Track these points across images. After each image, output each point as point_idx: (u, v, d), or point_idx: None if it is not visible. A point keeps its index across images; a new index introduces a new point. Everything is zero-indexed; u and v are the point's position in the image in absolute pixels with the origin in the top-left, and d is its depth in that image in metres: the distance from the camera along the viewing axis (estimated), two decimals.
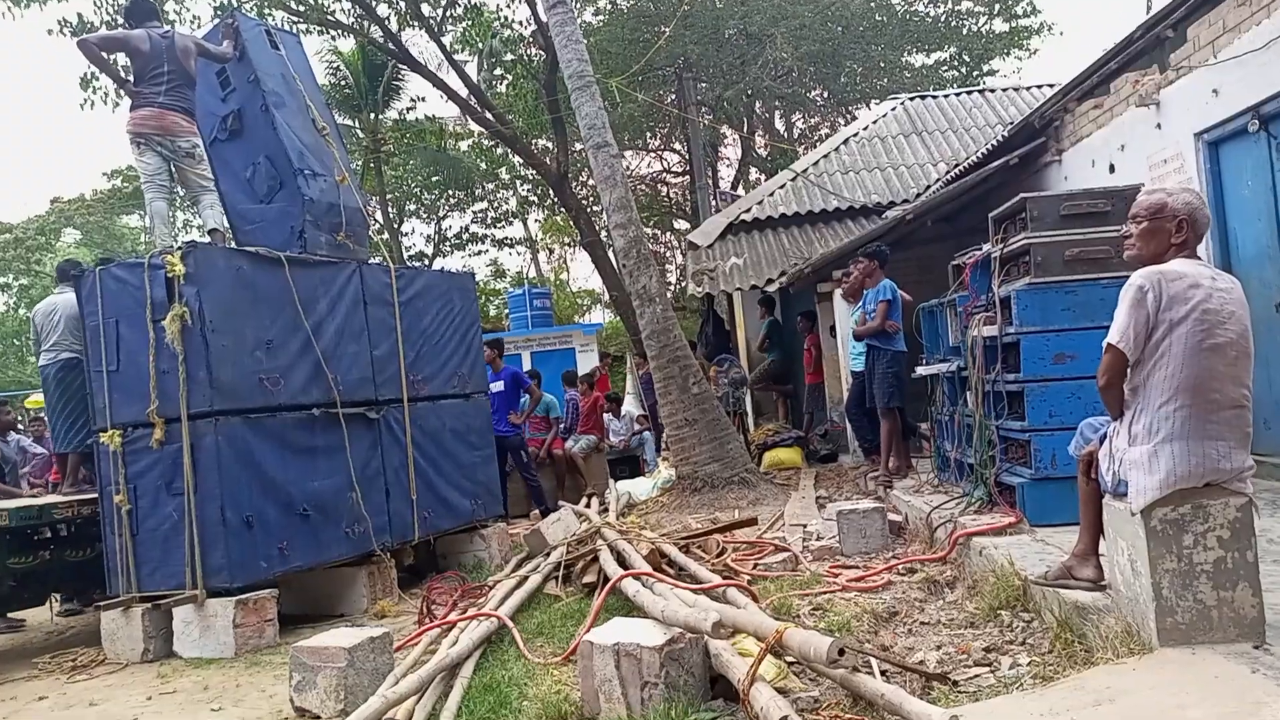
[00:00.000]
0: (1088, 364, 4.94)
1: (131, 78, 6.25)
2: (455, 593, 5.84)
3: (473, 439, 7.57)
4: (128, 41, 6.20)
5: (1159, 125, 6.64)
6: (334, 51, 22.08)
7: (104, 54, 6.14)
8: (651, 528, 7.73)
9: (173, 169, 6.37)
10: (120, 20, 7.03)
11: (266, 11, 16.51)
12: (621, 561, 5.69)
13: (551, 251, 35.34)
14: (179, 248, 5.60)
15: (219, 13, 14.49)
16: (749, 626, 3.42)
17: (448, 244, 29.97)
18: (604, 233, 22.00)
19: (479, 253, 30.92)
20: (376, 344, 6.70)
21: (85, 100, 16.22)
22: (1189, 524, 2.89)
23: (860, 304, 7.88)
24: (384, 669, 4.27)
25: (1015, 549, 4.57)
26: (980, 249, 6.13)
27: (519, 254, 31.88)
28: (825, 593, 5.02)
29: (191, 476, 5.46)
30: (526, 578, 5.98)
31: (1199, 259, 3.17)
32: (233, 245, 6.38)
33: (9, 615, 6.95)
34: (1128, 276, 4.78)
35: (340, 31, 19.12)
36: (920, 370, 6.80)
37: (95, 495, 6.04)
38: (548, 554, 6.63)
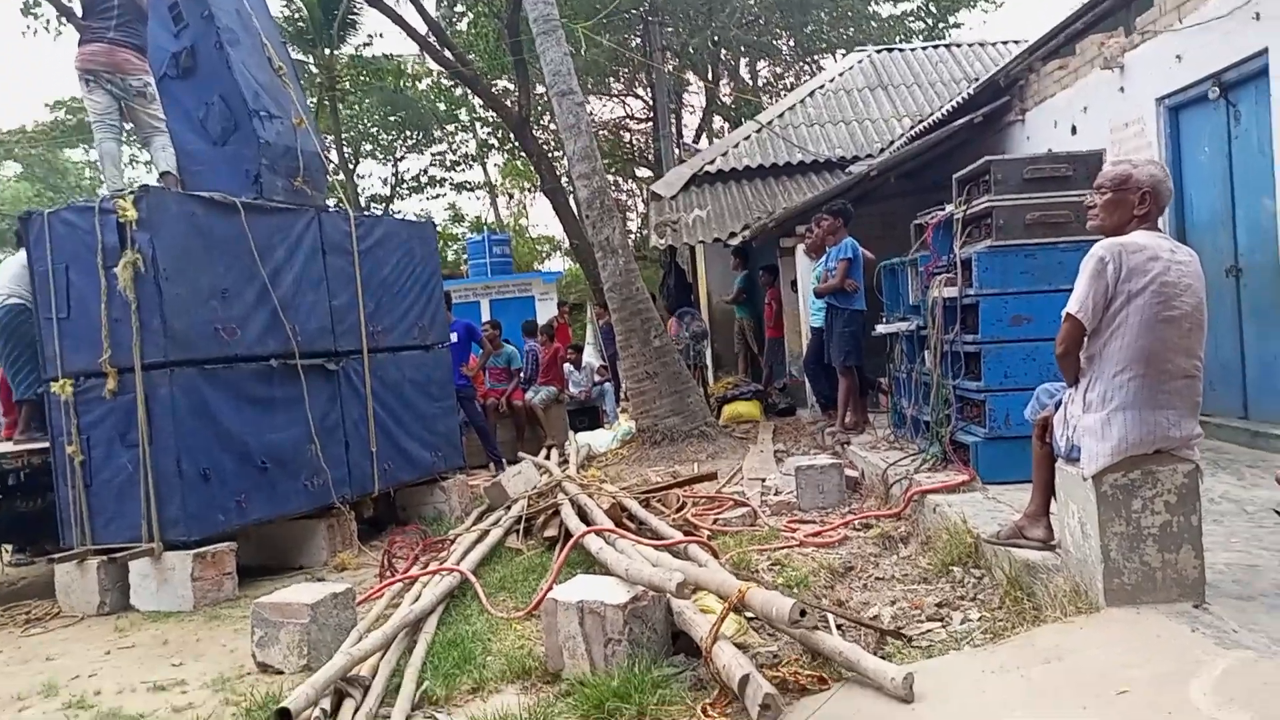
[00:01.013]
0: (1044, 326, 5.05)
1: (80, 10, 5.98)
2: (416, 546, 5.84)
3: (433, 390, 7.53)
4: None
5: (1122, 89, 6.69)
6: None
7: None
8: (612, 481, 7.79)
9: (123, 107, 6.15)
10: None
11: None
12: (583, 516, 5.74)
13: (511, 196, 34.94)
14: (131, 191, 5.42)
15: None
16: (711, 585, 3.49)
17: (405, 187, 29.47)
18: (565, 179, 21.83)
19: (437, 196, 30.50)
20: (335, 294, 6.60)
21: (27, 27, 15.60)
22: (1138, 489, 2.99)
23: (823, 260, 7.91)
24: (347, 624, 4.29)
25: (968, 507, 4.69)
26: (943, 209, 6.17)
27: (478, 198, 31.43)
28: (783, 548, 5.11)
29: (146, 428, 5.36)
30: (488, 532, 6.02)
31: (1159, 231, 3.23)
32: (184, 189, 6.21)
33: None
34: (1087, 241, 4.88)
35: None
36: (880, 329, 6.88)
37: (46, 445, 5.93)
38: (508, 507, 6.67)
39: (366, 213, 7.85)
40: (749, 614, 3.66)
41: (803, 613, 2.86)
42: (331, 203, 7.01)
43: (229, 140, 6.57)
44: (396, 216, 11.46)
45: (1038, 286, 5.12)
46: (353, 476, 6.60)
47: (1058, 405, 3.38)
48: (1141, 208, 3.18)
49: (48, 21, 15.80)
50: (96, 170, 34.80)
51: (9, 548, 6.81)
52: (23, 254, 6.56)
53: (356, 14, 21.92)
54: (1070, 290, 4.88)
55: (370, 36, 24.04)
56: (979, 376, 5.26)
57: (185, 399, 5.44)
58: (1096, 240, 3.27)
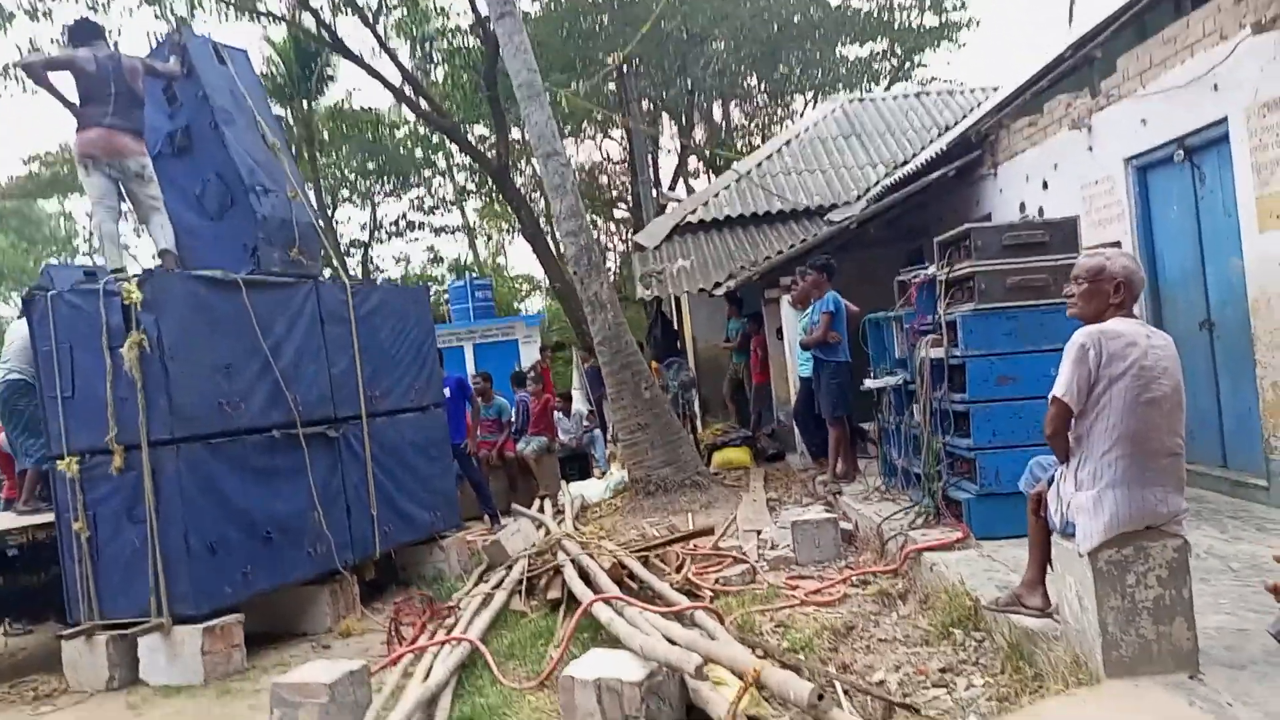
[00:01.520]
0: (1029, 386, 5.26)
1: (77, 99, 6.11)
2: (422, 613, 5.92)
3: (431, 450, 7.63)
4: (73, 62, 6.07)
5: (1090, 148, 6.98)
6: (265, 39, 21.59)
7: (49, 75, 5.99)
8: (608, 533, 7.90)
9: (121, 189, 6.26)
10: (64, 41, 6.85)
11: (199, 4, 16.14)
12: (585, 576, 5.84)
13: (490, 238, 35.15)
14: (135, 275, 5.53)
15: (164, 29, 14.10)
16: (725, 661, 3.61)
17: (383, 231, 29.61)
18: (542, 220, 22.06)
19: (415, 239, 30.63)
20: (334, 361, 6.71)
21: (4, 88, 15.73)
22: (1131, 564, 3.16)
23: (809, 312, 8.12)
24: (363, 702, 4.36)
25: (964, 566, 4.85)
26: (924, 267, 6.40)
27: (456, 240, 31.58)
28: (785, 608, 5.24)
29: (154, 504, 5.43)
30: (492, 595, 6.10)
31: (1136, 318, 3.43)
32: (182, 266, 6.33)
33: None
34: (1064, 303, 5.12)
35: (271, 20, 18.74)
36: (868, 383, 7.08)
37: (50, 519, 5.97)
38: (509, 566, 6.75)
39: (361, 281, 7.97)
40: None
41: (820, 696, 2.99)
42: (326, 272, 7.13)
43: (226, 215, 6.70)
44: (389, 282, 11.56)
45: (1021, 347, 5.33)
46: (354, 541, 6.67)
47: (1050, 481, 3.55)
48: (1117, 296, 3.38)
49: (22, 82, 16.01)
50: (69, 221, 34.84)
51: (8, 619, 6.79)
52: (23, 326, 6.63)
53: (333, 68, 22.19)
54: (1051, 350, 5.17)
55: (349, 90, 24.25)
56: (968, 434, 5.45)
57: (191, 474, 5.52)
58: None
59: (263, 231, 6.61)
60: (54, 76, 6.06)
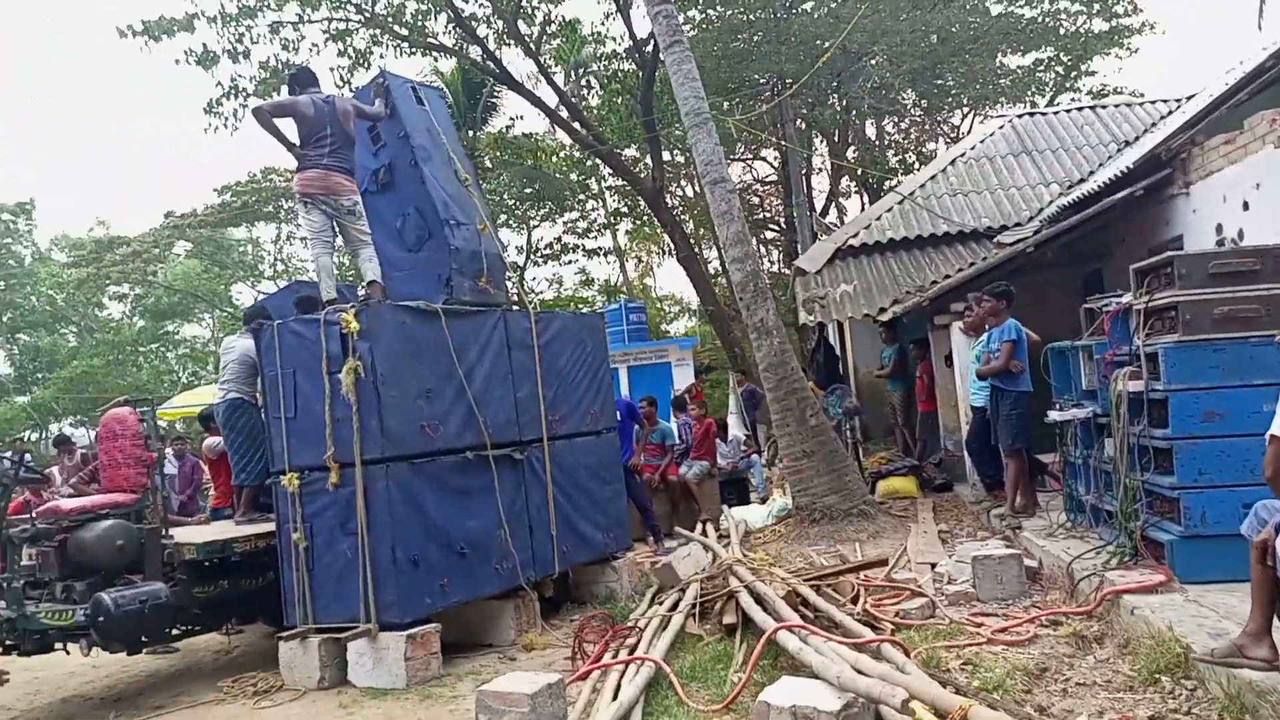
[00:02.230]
0: (1238, 422, 5.02)
1: (298, 141, 6.70)
2: (604, 631, 6.13)
3: (604, 474, 7.89)
4: (295, 108, 6.67)
5: None
6: (435, 71, 22.77)
7: (275, 120, 6.60)
8: (775, 561, 7.93)
9: (334, 225, 6.81)
10: (285, 89, 7.54)
11: (379, 40, 17.25)
12: (759, 603, 5.92)
13: (639, 260, 35.78)
14: (352, 305, 6.02)
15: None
16: (927, 697, 3.61)
17: (539, 254, 30.59)
18: (695, 246, 22.30)
19: (569, 262, 31.50)
20: (519, 387, 7.06)
21: (209, 125, 17.22)
22: None
23: (983, 340, 7.93)
24: (559, 714, 4.59)
25: (1170, 611, 4.64)
26: (1119, 296, 6.17)
27: (608, 262, 32.30)
28: (971, 645, 5.16)
29: (365, 518, 5.87)
30: (669, 617, 6.26)
31: None
32: (386, 294, 6.83)
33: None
34: (1275, 336, 4.84)
35: (442, 53, 19.80)
36: (1053, 415, 6.85)
37: (268, 529, 6.54)
38: (683, 589, 6.90)
39: (544, 310, 8.34)
40: None
41: None
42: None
43: (423, 247, 7.18)
44: (569, 312, 11.98)
45: (1228, 382, 5.08)
46: (536, 558, 6.97)
47: (1277, 528, 3.39)
48: None
49: (226, 119, 17.53)
50: (256, 247, 37.67)
51: (231, 620, 7.43)
52: (239, 349, 7.29)
53: (497, 97, 23.19)
54: (1263, 385, 4.92)
55: (512, 119, 25.26)
56: (1170, 471, 5.22)
57: (398, 491, 5.94)
58: None
59: (456, 262, 7.05)
60: (279, 122, 6.67)
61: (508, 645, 6.60)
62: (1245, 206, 7.43)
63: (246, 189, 32.60)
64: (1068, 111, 14.57)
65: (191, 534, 6.99)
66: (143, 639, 6.14)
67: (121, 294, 35.68)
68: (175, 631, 6.52)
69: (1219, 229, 7.79)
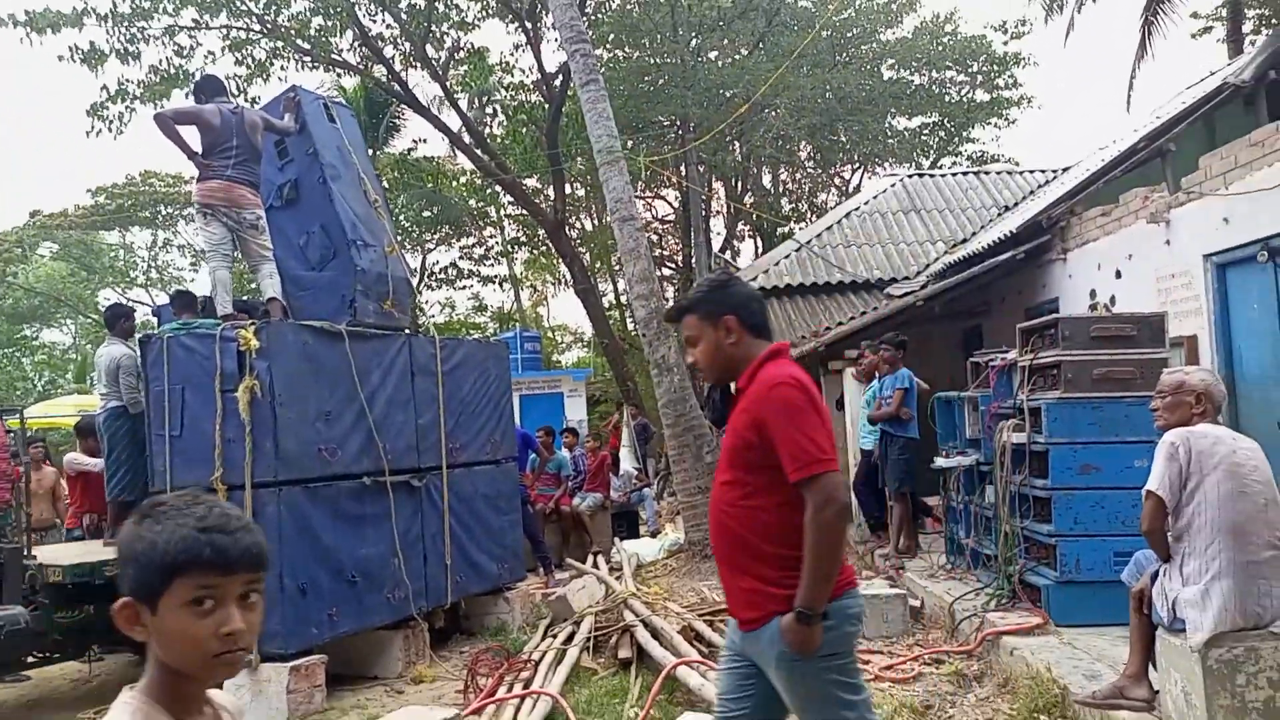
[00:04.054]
0: (1112, 475, 5.37)
1: (201, 150, 6.47)
2: (499, 665, 6.02)
3: (501, 504, 7.80)
4: (200, 115, 6.44)
5: (1168, 242, 7.11)
6: (338, 88, 22.31)
7: (178, 127, 6.35)
8: (667, 594, 7.98)
9: (235, 238, 6.58)
10: (190, 96, 7.28)
11: (280, 52, 16.80)
12: (655, 637, 5.94)
13: (535, 289, 35.71)
14: (252, 322, 5.81)
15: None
16: None
17: (433, 279, 30.16)
18: (595, 279, 22.43)
19: (463, 287, 31.16)
20: (421, 413, 6.93)
21: (92, 128, 16.37)
22: (1242, 665, 3.24)
23: (876, 387, 8.25)
24: None
25: (1046, 652, 4.90)
26: (1004, 352, 6.53)
27: (502, 289, 32.12)
28: None
29: None
30: (565, 650, 6.20)
31: (1220, 424, 3.58)
32: (288, 315, 6.63)
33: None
34: (1149, 396, 5.23)
35: (346, 70, 19.45)
36: (940, 462, 7.16)
37: None
38: (577, 622, 6.86)
39: (450, 336, 8.23)
40: None
41: None
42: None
43: (327, 267, 7.01)
44: (475, 339, 11.83)
45: (1105, 437, 5.42)
46: (429, 588, 6.82)
47: (1153, 577, 3.64)
48: (1199, 407, 3.58)
49: (110, 122, 16.72)
50: (129, 253, 35.82)
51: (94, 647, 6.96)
52: (107, 356, 6.87)
53: (400, 119, 22.88)
54: (1135, 441, 5.29)
55: (415, 141, 24.88)
56: (1048, 519, 5.52)
57: (290, 516, 5.73)
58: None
59: (361, 284, 6.90)
60: (182, 129, 6.42)
61: (394, 677, 6.41)
62: (1118, 275, 8.00)
63: (123, 192, 31.11)
64: (954, 174, 15.41)
65: (58, 554, 6.55)
66: None
67: None
68: (31, 659, 6.08)
69: (1092, 294, 8.35)
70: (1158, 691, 3.74)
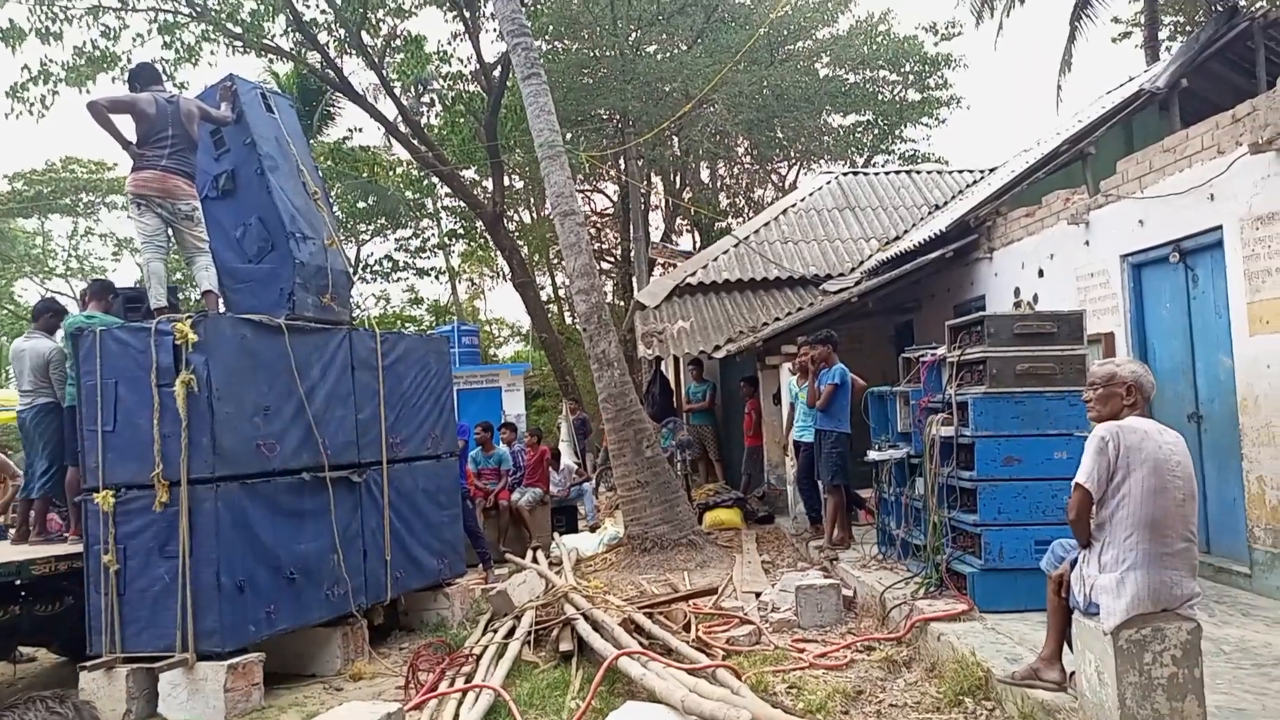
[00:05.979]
0: (1033, 467, 5.62)
1: (135, 140, 6.34)
2: (440, 660, 6.05)
3: (442, 499, 7.80)
4: (134, 104, 6.30)
5: (1087, 242, 7.43)
6: (271, 74, 21.85)
7: (112, 116, 6.21)
8: (607, 587, 8.08)
9: (170, 230, 6.46)
10: (125, 83, 7.11)
11: (210, 36, 16.39)
12: (596, 629, 6.04)
13: (471, 282, 35.45)
14: (188, 315, 5.72)
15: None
16: (766, 718, 3.83)
17: (368, 270, 29.76)
18: (533, 273, 22.38)
19: (399, 280, 30.82)
20: (361, 408, 6.90)
21: (12, 110, 15.79)
22: (1149, 644, 3.45)
23: (815, 381, 8.44)
24: None
25: (971, 637, 5.12)
26: (934, 348, 6.76)
27: (438, 282, 31.82)
28: (795, 669, 5.47)
29: (188, 540, 5.56)
30: (506, 644, 6.25)
31: (1149, 417, 3.78)
32: (224, 307, 6.53)
33: None
34: (1069, 392, 5.47)
35: (278, 55, 19.04)
36: (872, 455, 7.38)
37: (73, 550, 6.06)
38: (518, 617, 6.91)
39: (392, 330, 8.18)
40: None
41: None
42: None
43: (265, 259, 6.91)
44: (416, 334, 11.73)
45: (1027, 430, 5.67)
46: (369, 584, 6.80)
47: (1072, 564, 3.84)
48: (1129, 399, 3.75)
49: (31, 105, 16.13)
50: (46, 241, 34.56)
51: (17, 649, 6.81)
52: (42, 348, 6.69)
53: (335, 107, 22.51)
54: (1055, 434, 5.53)
55: (350, 130, 24.54)
56: (974, 510, 5.76)
57: (227, 512, 5.67)
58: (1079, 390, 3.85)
59: (300, 277, 6.82)
60: (116, 118, 6.28)
61: (333, 675, 6.39)
62: (1040, 274, 8.32)
63: (43, 178, 30.02)
64: (886, 173, 15.78)
65: None
66: None
67: None
68: None
69: (1016, 292, 8.67)
70: (1071, 673, 3.96)
